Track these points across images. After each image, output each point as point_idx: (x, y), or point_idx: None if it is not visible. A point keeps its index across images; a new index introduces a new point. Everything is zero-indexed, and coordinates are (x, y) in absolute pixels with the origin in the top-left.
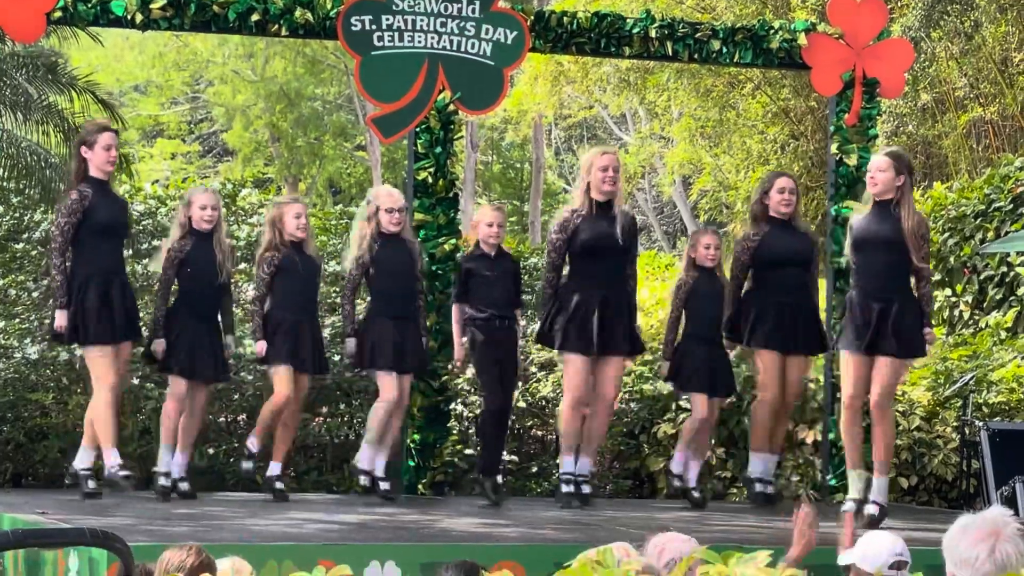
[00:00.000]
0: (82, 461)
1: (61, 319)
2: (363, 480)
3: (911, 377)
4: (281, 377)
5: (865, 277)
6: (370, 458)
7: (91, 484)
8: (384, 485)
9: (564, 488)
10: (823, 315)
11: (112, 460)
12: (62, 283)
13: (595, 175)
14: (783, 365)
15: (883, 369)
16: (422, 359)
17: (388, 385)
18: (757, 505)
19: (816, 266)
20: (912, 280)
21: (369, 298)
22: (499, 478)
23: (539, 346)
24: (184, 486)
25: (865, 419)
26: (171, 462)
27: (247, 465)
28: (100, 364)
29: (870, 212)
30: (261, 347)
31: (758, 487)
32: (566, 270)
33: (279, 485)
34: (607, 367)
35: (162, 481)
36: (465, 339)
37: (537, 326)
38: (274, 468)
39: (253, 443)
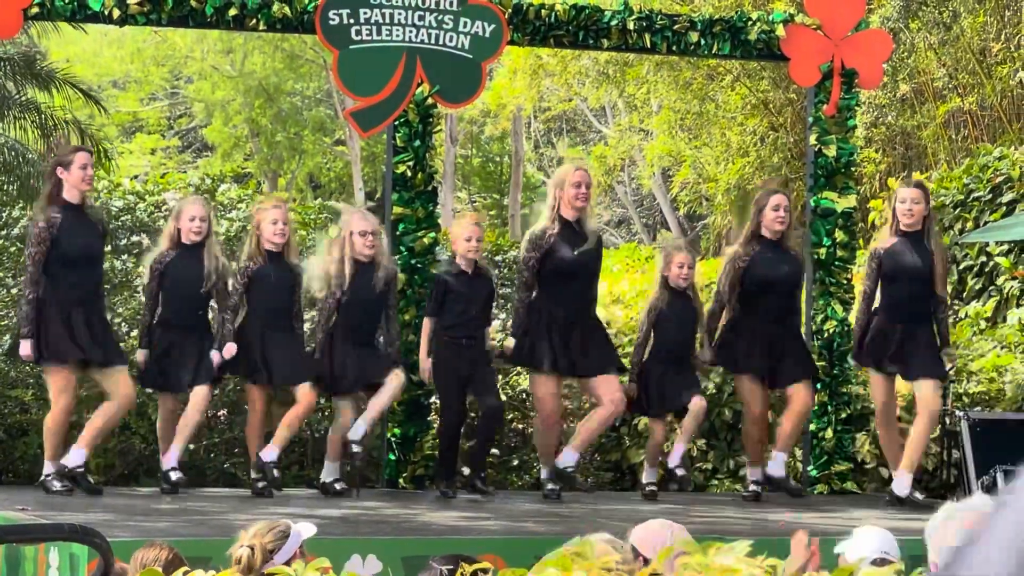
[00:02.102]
0: (73, 460)
1: (26, 348)
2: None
3: None
4: (254, 395)
5: (894, 304)
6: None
7: (58, 484)
8: (339, 485)
9: (550, 486)
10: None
11: (50, 469)
12: (28, 313)
13: (568, 191)
14: (765, 385)
15: (924, 391)
16: (384, 371)
17: (346, 414)
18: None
19: (801, 287)
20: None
21: (335, 320)
22: (465, 477)
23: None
24: (176, 476)
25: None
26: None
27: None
28: (58, 383)
29: (898, 242)
30: (230, 350)
31: (753, 487)
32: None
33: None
34: (606, 384)
35: (174, 476)
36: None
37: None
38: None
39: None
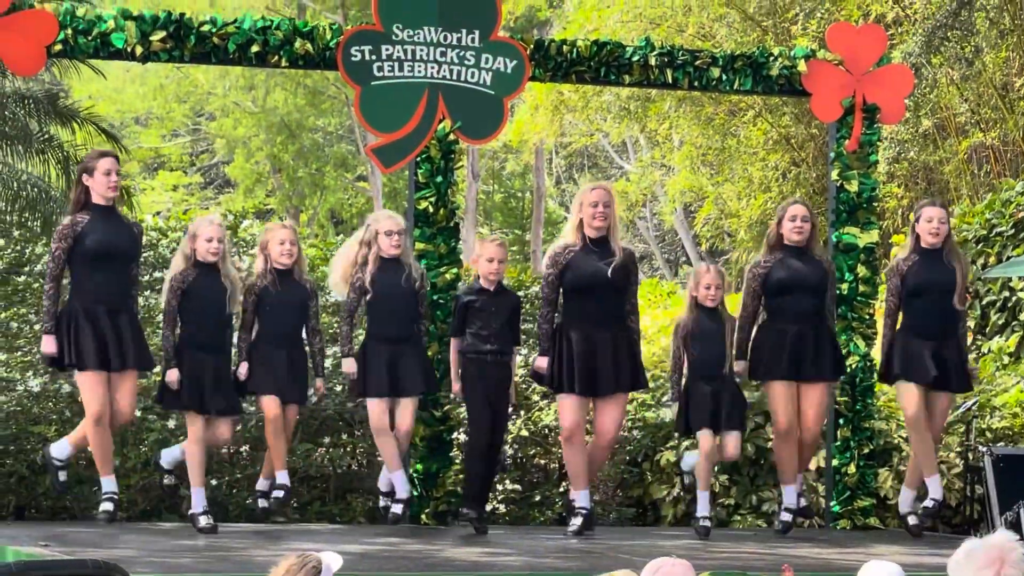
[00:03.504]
0: (60, 451)
1: (47, 345)
2: (382, 502)
3: None
4: (268, 404)
5: (920, 320)
6: (387, 480)
7: (62, 476)
8: (396, 508)
9: (575, 520)
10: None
11: (108, 487)
12: (48, 308)
13: (586, 211)
14: (795, 395)
15: (942, 404)
16: (425, 380)
17: (375, 412)
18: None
19: (830, 291)
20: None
21: (366, 322)
22: (486, 507)
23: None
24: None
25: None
26: (203, 500)
27: (263, 503)
28: (85, 391)
29: (920, 259)
30: (243, 369)
31: (785, 516)
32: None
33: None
34: (606, 407)
35: (203, 521)
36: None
37: (535, 359)
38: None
39: (264, 484)
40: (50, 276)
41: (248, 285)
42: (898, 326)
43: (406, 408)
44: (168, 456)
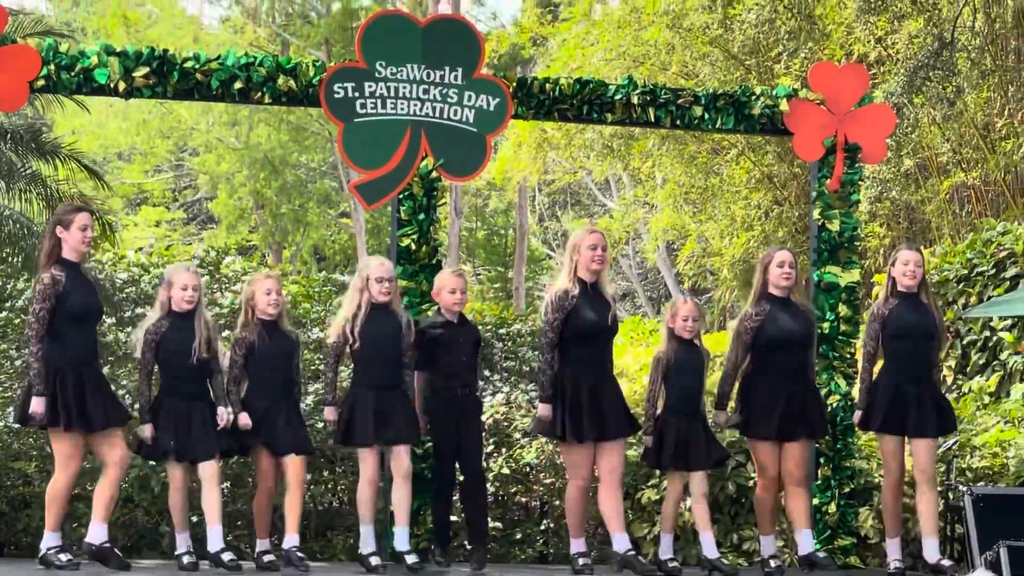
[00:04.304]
0: (98, 536)
1: (38, 406)
2: (374, 561)
3: None
4: (263, 465)
5: (901, 364)
6: (370, 540)
7: (63, 557)
8: (411, 558)
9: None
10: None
11: (51, 542)
12: (39, 370)
13: (584, 254)
14: (780, 451)
15: (928, 449)
16: (411, 429)
17: (369, 462)
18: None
19: (815, 344)
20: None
21: (352, 368)
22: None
23: (525, 416)
24: (227, 556)
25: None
26: (187, 541)
27: (268, 558)
28: (66, 449)
29: (899, 303)
30: (244, 420)
31: (773, 563)
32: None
33: (299, 555)
34: (611, 451)
35: (186, 559)
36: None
37: (520, 394)
38: (291, 540)
39: (264, 543)
40: (36, 337)
41: (237, 338)
42: (877, 371)
43: (401, 453)
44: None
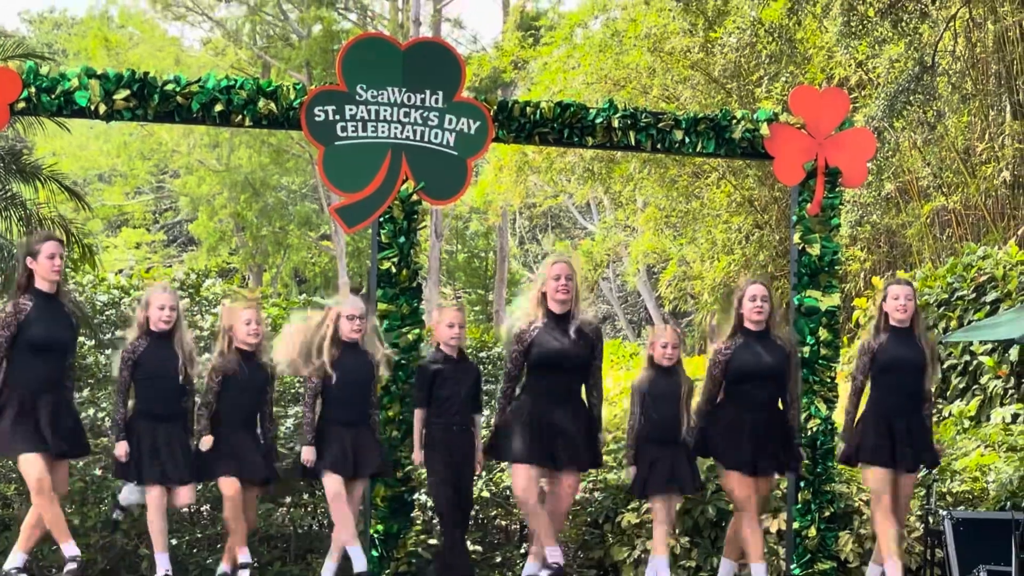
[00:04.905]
0: (12, 562)
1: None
2: None
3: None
4: (227, 486)
5: (889, 397)
6: (359, 558)
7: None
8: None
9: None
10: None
11: (16, 562)
12: None
13: (549, 284)
14: (754, 484)
15: (908, 484)
16: (380, 464)
17: (336, 480)
18: None
19: (792, 377)
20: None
21: (323, 406)
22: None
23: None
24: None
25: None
26: (167, 564)
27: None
28: (32, 474)
29: (890, 337)
30: (206, 443)
31: None
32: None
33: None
34: (563, 479)
35: None
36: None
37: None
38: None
39: (226, 567)
40: None
41: (213, 365)
42: (863, 404)
43: (358, 487)
44: (128, 495)
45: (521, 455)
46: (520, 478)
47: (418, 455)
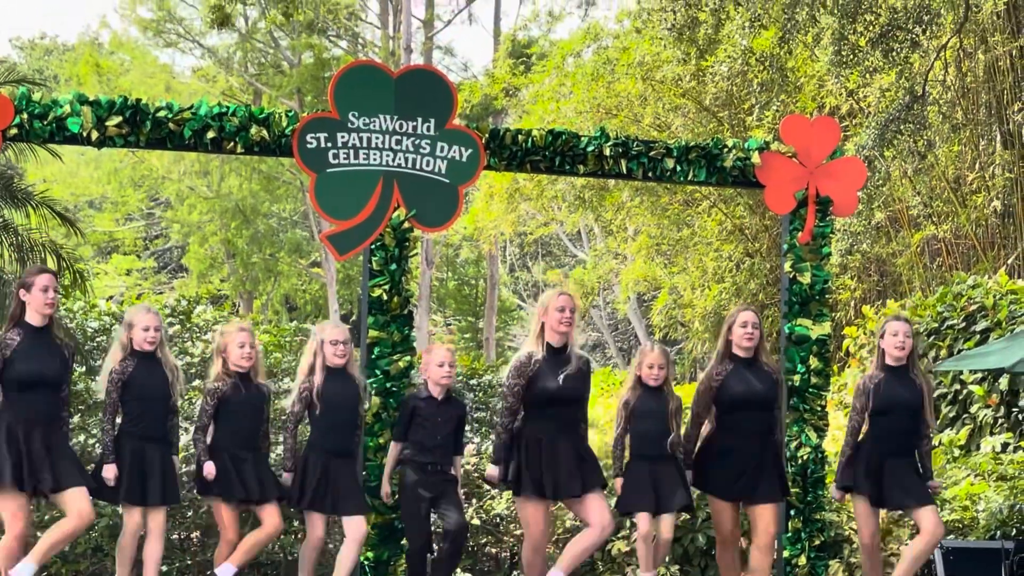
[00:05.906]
0: (21, 573)
1: None
2: None
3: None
4: (223, 514)
5: (885, 437)
6: None
7: None
8: None
9: None
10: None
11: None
12: None
13: (552, 315)
14: (737, 507)
15: (931, 515)
16: (358, 501)
17: (317, 525)
18: None
19: (779, 403)
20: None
21: (308, 432)
22: None
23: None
24: None
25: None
26: None
27: None
28: (9, 507)
29: (887, 377)
30: (209, 468)
31: None
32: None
33: None
34: (593, 505)
35: None
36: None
37: (491, 445)
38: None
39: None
40: None
41: (209, 388)
42: (860, 440)
43: (357, 519)
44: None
45: (531, 488)
46: (529, 511)
47: (386, 487)
